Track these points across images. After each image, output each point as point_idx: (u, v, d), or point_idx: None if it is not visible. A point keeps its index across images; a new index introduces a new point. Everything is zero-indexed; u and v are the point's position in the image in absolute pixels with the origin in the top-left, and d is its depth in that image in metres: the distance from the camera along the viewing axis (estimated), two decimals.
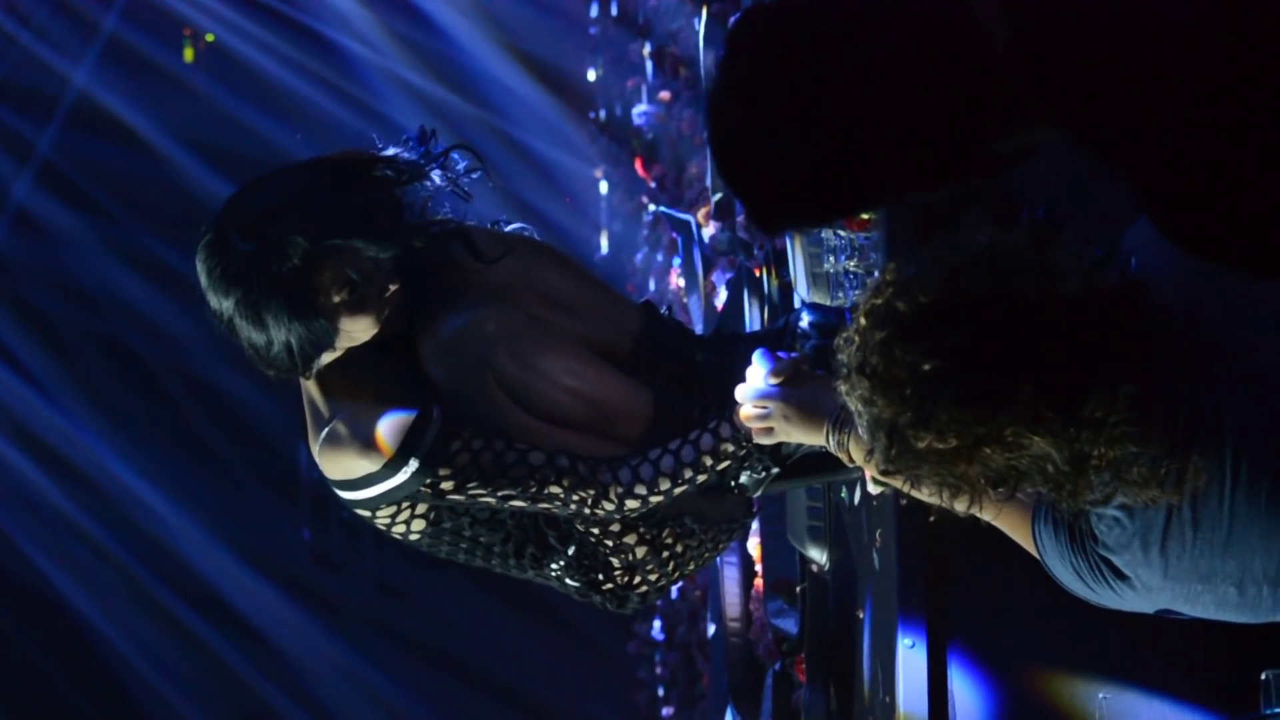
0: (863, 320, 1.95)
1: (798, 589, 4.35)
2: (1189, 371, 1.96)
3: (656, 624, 8.43)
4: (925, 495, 2.00)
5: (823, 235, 3.33)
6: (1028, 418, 1.88)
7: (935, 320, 1.90)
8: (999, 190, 1.96)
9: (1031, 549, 2.18)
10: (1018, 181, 2.00)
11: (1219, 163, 1.68)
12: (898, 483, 2.07)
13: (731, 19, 3.36)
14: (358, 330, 2.69)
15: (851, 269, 3.32)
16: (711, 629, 5.88)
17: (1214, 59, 1.67)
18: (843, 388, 1.99)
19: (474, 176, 2.79)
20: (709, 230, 5.82)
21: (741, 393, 2.58)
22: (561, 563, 2.87)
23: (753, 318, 4.30)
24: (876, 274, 3.03)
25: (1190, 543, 2.01)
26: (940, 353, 1.89)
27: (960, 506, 2.00)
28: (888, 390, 1.92)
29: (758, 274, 4.41)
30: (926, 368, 1.89)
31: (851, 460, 2.48)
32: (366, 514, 2.79)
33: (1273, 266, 1.77)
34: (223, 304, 2.65)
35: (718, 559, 5.01)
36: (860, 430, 2.00)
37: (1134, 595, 2.08)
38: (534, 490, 2.71)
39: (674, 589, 7.10)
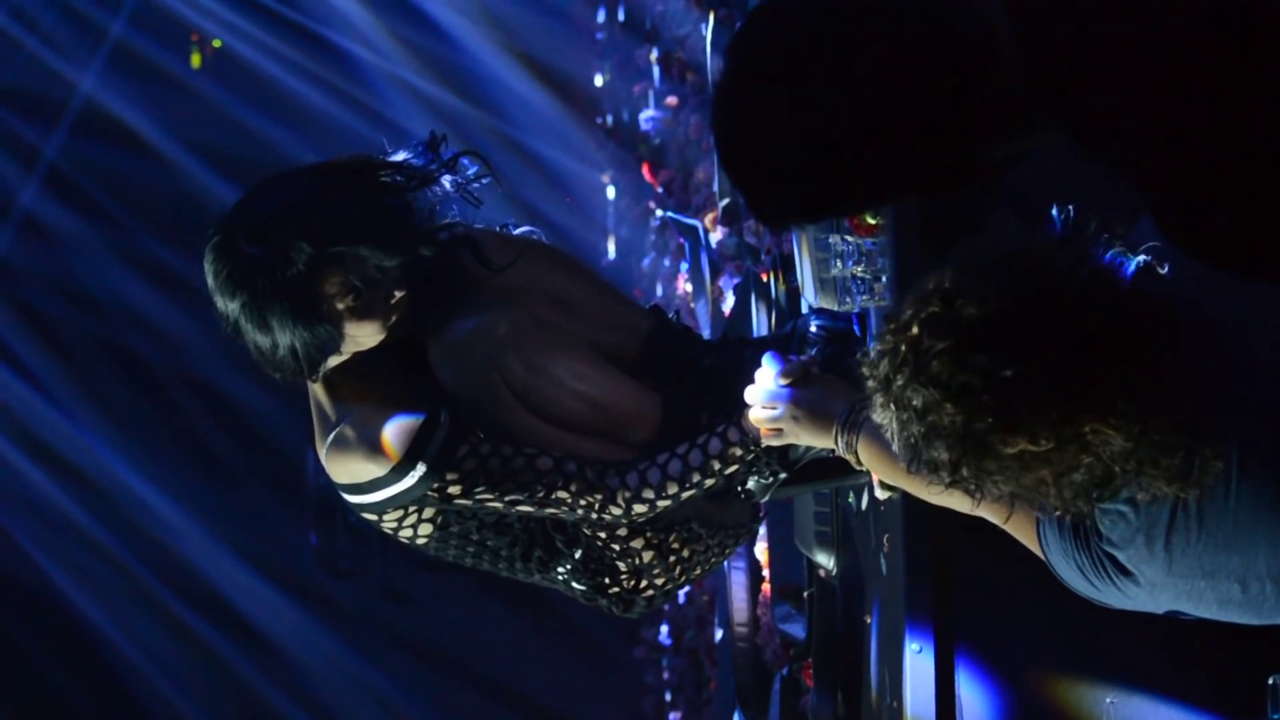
0: (915, 330, 1.92)
1: (805, 594, 4.34)
2: (1196, 368, 1.96)
3: (664, 629, 8.42)
4: (993, 498, 1.98)
5: (830, 240, 3.32)
6: (1105, 414, 1.88)
7: (1007, 325, 1.89)
8: (1019, 190, 1.96)
9: (1036, 548, 2.18)
10: (1034, 181, 2.00)
11: (1221, 166, 1.69)
12: (962, 501, 2.05)
13: (738, 24, 3.36)
14: (364, 336, 2.69)
15: (859, 274, 3.31)
16: (719, 634, 5.88)
17: (1216, 63, 1.67)
18: (879, 400, 1.97)
19: (483, 182, 2.79)
20: (716, 235, 5.82)
21: (751, 394, 2.59)
22: (568, 566, 2.87)
23: (760, 323, 4.29)
24: (884, 279, 3.03)
25: (1195, 538, 2.01)
26: (1019, 355, 1.88)
27: (1031, 509, 2.00)
28: (958, 398, 1.90)
29: (765, 279, 4.40)
30: (1008, 373, 1.88)
31: (859, 463, 2.49)
32: (373, 518, 2.79)
33: (1275, 269, 1.78)
34: (228, 306, 2.65)
35: (725, 564, 5.01)
36: (897, 445, 1.98)
37: (1138, 592, 2.09)
38: (541, 495, 2.71)
39: (681, 594, 7.11)
